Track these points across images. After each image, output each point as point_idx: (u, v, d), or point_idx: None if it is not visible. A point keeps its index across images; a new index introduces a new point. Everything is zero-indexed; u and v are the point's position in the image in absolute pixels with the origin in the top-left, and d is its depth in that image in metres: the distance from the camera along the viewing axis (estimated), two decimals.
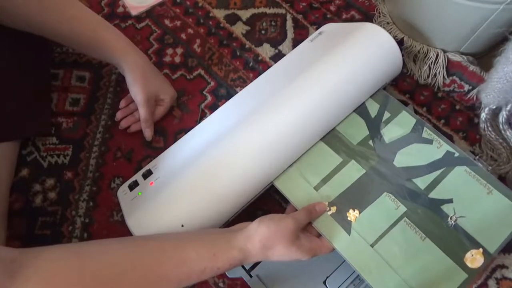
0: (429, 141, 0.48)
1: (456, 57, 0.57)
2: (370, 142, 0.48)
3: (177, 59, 0.63)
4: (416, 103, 0.58)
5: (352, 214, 0.44)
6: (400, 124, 0.49)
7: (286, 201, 0.52)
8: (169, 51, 0.64)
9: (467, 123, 0.56)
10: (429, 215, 0.44)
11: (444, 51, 0.57)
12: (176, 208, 0.43)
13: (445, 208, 0.44)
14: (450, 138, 0.55)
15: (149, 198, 0.45)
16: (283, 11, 0.66)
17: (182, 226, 0.42)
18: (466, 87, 0.57)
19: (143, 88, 0.53)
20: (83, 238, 0.52)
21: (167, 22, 0.66)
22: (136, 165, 0.56)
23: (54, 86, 0.62)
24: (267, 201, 0.53)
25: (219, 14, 0.67)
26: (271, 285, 0.46)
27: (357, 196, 0.45)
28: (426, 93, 0.58)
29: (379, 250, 0.42)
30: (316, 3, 0.67)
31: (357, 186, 0.46)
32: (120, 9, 0.68)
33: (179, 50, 0.64)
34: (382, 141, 0.48)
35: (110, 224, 0.53)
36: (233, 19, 0.66)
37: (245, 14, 0.66)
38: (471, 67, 0.57)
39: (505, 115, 0.51)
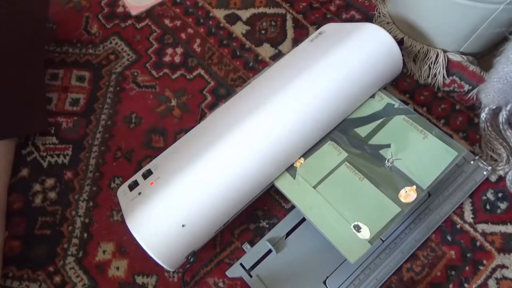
0: (372, 95, 0.51)
1: (456, 57, 0.57)
2: None
3: (177, 59, 0.63)
4: (416, 103, 0.58)
5: (298, 161, 0.48)
6: None
7: (286, 201, 0.52)
8: (169, 51, 0.64)
9: (467, 123, 0.56)
10: (368, 159, 0.47)
11: (444, 51, 0.57)
12: (176, 208, 0.43)
13: (383, 152, 0.47)
14: None
15: (149, 198, 0.45)
16: (283, 11, 0.66)
17: (183, 226, 0.42)
18: (466, 87, 0.57)
19: None
20: (83, 238, 0.52)
21: (167, 22, 0.66)
22: (136, 165, 0.56)
23: (54, 86, 0.62)
24: (267, 201, 0.53)
25: (219, 14, 0.67)
26: (271, 285, 0.46)
27: None
28: (426, 93, 0.58)
29: (321, 190, 0.46)
30: (316, 3, 0.67)
31: None
32: (120, 9, 0.68)
33: (179, 50, 0.64)
34: None
35: (110, 224, 0.53)
36: (233, 19, 0.66)
37: (245, 14, 0.66)
38: (471, 67, 0.57)
39: (505, 115, 0.51)
